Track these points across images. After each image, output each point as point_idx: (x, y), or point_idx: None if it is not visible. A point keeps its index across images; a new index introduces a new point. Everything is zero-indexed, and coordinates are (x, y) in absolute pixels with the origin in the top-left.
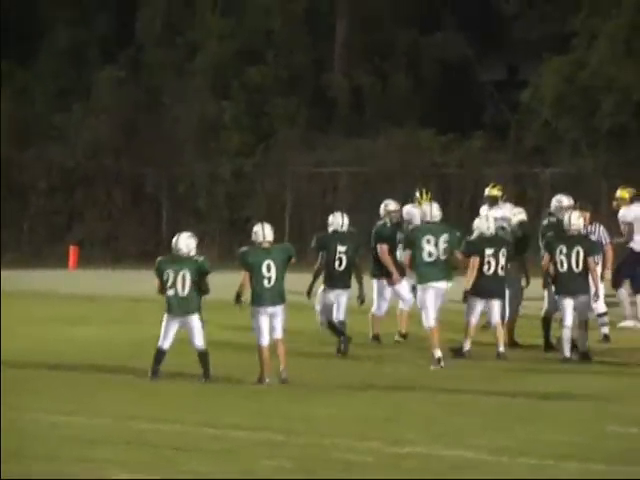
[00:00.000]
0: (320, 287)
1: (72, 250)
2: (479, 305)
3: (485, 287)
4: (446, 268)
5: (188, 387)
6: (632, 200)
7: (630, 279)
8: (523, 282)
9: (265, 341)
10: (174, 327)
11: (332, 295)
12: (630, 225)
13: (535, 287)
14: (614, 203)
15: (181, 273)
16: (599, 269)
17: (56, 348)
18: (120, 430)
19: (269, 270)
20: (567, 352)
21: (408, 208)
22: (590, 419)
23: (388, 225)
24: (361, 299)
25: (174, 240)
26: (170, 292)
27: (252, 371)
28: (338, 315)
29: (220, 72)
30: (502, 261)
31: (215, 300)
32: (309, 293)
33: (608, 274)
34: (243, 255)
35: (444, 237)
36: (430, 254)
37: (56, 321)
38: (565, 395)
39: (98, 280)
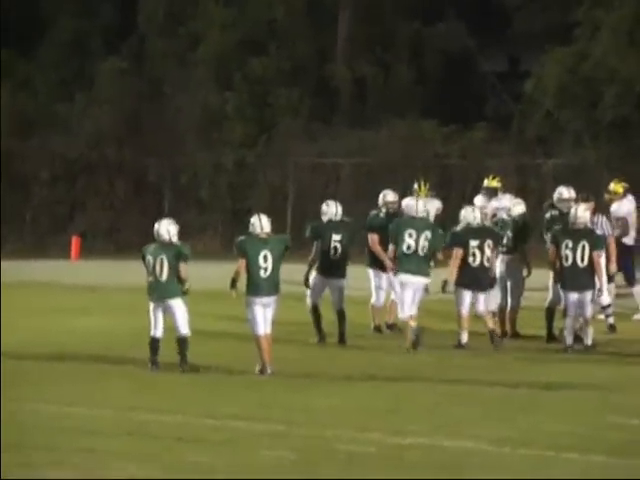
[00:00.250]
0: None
1: (74, 240)
2: (467, 296)
3: (471, 279)
4: (423, 264)
5: (188, 378)
6: (625, 194)
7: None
8: (524, 272)
9: (261, 330)
10: (159, 313)
11: (324, 283)
12: (624, 219)
13: (537, 278)
14: (606, 196)
15: (159, 258)
16: (603, 261)
17: (58, 339)
18: (121, 421)
19: (265, 260)
20: (569, 341)
21: (407, 201)
22: (591, 410)
23: (381, 215)
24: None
25: (156, 226)
26: (150, 278)
27: (252, 361)
28: (338, 305)
29: (223, 62)
30: (488, 252)
31: (217, 290)
32: (307, 281)
33: (613, 267)
34: (241, 243)
35: (426, 234)
36: (409, 247)
37: (58, 312)
38: (567, 386)
39: (100, 271)
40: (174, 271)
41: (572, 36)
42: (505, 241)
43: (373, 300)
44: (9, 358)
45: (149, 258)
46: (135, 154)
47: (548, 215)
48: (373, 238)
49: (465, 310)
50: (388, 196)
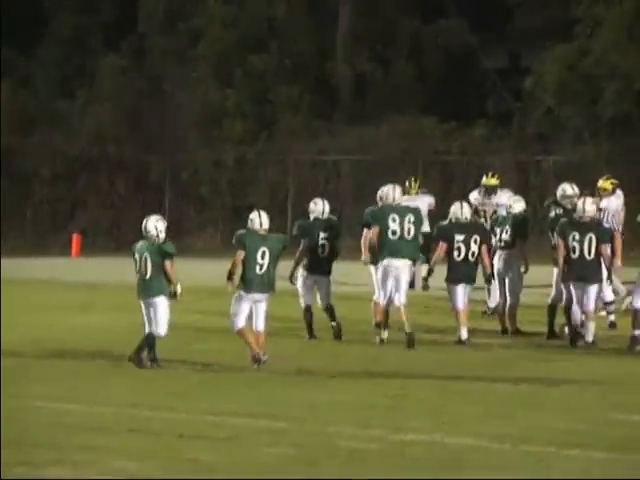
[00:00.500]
0: (300, 272)
1: (75, 238)
2: (459, 291)
3: (456, 273)
4: (410, 247)
5: (189, 375)
6: (614, 191)
7: None
8: (522, 269)
9: (241, 323)
10: (148, 311)
11: (312, 280)
12: (613, 217)
13: (537, 274)
14: (595, 193)
15: (144, 256)
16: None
17: (58, 336)
18: (122, 418)
19: (263, 257)
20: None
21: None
22: (592, 406)
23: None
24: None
25: (144, 222)
26: (137, 276)
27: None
28: (325, 300)
29: (223, 59)
30: (474, 248)
31: (217, 287)
32: (291, 277)
33: (618, 262)
34: (241, 236)
35: (409, 217)
36: (394, 232)
37: (59, 309)
38: (567, 382)
39: (101, 268)
40: (158, 269)
41: (572, 33)
42: (503, 236)
43: (375, 297)
44: (10, 355)
45: (136, 256)
46: (135, 151)
47: (552, 214)
48: (365, 232)
49: (461, 304)
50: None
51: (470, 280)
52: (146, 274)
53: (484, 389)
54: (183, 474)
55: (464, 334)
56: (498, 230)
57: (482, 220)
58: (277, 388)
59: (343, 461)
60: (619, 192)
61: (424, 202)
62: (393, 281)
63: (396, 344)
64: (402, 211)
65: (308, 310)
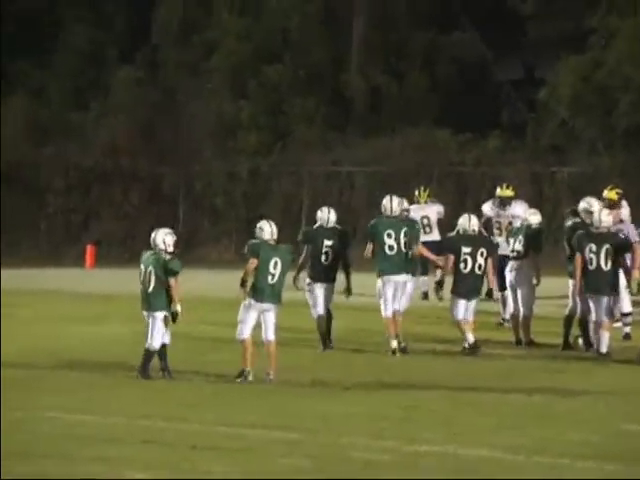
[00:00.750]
0: (306, 280)
1: (89, 249)
2: (461, 305)
3: (463, 285)
4: (406, 261)
5: (203, 386)
6: (619, 201)
7: None
8: (534, 280)
9: (246, 333)
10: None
11: (317, 287)
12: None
13: (552, 286)
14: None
15: (149, 269)
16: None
17: (72, 347)
18: (135, 429)
19: (275, 267)
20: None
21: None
22: (606, 418)
23: None
24: (348, 292)
25: (153, 235)
26: (140, 287)
27: (266, 369)
28: (325, 305)
29: (237, 71)
30: (480, 260)
31: (230, 298)
32: (295, 280)
33: (637, 274)
34: (255, 246)
35: (404, 231)
36: (391, 247)
37: (73, 320)
38: (581, 394)
39: (115, 279)
40: (161, 284)
41: (586, 44)
42: (516, 246)
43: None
44: (23, 366)
45: (141, 267)
46: (150, 163)
47: (570, 223)
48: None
49: (460, 316)
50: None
51: (475, 293)
52: (149, 287)
53: (497, 400)
54: None
55: (470, 338)
56: (511, 240)
57: (496, 232)
58: (291, 399)
59: (357, 472)
60: (625, 203)
61: (433, 211)
62: (392, 292)
63: (408, 355)
64: (398, 225)
65: (321, 319)
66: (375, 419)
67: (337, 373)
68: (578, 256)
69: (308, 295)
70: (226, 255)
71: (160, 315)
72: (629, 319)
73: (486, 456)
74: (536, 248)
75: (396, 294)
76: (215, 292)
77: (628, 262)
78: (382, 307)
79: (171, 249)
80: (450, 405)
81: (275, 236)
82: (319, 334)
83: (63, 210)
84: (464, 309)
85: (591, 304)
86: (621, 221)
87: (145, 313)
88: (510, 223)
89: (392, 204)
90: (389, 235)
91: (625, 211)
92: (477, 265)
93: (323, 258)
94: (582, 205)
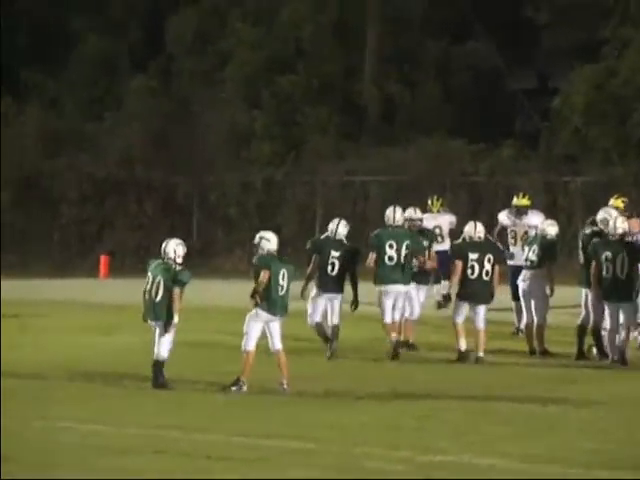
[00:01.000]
0: (313, 290)
1: (103, 259)
2: (464, 308)
3: (469, 291)
4: (405, 272)
5: (218, 396)
6: (625, 209)
7: None
8: (548, 290)
9: (252, 345)
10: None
11: (323, 299)
12: None
13: (566, 295)
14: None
15: (157, 279)
16: None
17: (86, 357)
18: (149, 439)
19: (283, 279)
20: (614, 355)
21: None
22: (620, 427)
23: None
24: (355, 305)
25: (164, 244)
26: (146, 295)
27: (276, 379)
28: (332, 319)
29: (251, 81)
30: (487, 266)
31: (244, 308)
32: (303, 292)
33: None
34: (265, 258)
35: (406, 243)
36: (391, 258)
37: (86, 330)
38: (595, 403)
39: (129, 289)
40: (168, 294)
41: (600, 53)
42: (530, 256)
43: (407, 314)
44: (37, 377)
45: (149, 275)
46: (163, 173)
47: (588, 231)
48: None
49: (460, 319)
50: (407, 212)
51: (482, 299)
52: (156, 297)
53: (511, 409)
54: None
55: (462, 346)
56: (526, 249)
57: (511, 241)
58: (305, 409)
59: None
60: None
61: (445, 220)
62: (392, 302)
63: (422, 364)
64: (400, 236)
65: (318, 326)
66: (389, 429)
67: (351, 383)
68: (594, 264)
69: (309, 302)
70: (240, 265)
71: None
72: None
73: (500, 465)
74: (551, 258)
75: (396, 304)
76: (229, 302)
77: None
78: (382, 314)
79: (180, 260)
80: (464, 414)
81: (276, 247)
82: (321, 338)
83: (77, 221)
84: (465, 313)
85: (607, 312)
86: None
87: (152, 323)
88: (526, 232)
89: (395, 214)
90: (390, 246)
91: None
92: (484, 271)
93: (329, 269)
94: (602, 215)
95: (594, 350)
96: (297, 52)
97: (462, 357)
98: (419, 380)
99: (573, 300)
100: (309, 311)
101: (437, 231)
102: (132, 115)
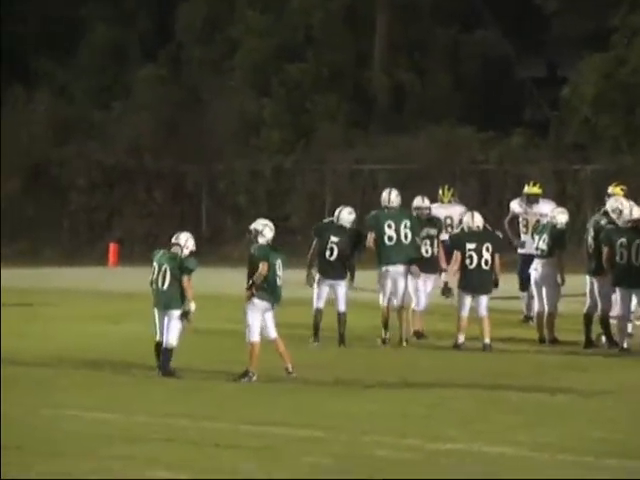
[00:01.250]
0: (317, 276)
1: (112, 247)
2: (467, 299)
3: (469, 282)
4: (407, 251)
5: (226, 384)
6: (625, 197)
7: None
8: (559, 279)
9: (256, 336)
10: (161, 320)
11: (326, 285)
12: None
13: (575, 283)
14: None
15: (163, 267)
16: None
17: (95, 345)
18: (158, 427)
19: (279, 269)
20: (624, 343)
21: (432, 208)
22: (630, 416)
23: None
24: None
25: (175, 235)
26: (153, 285)
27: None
28: (338, 306)
29: (260, 69)
30: (486, 256)
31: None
32: (307, 278)
33: None
34: (265, 250)
35: (405, 222)
36: (390, 238)
37: (95, 318)
38: (605, 392)
39: (138, 277)
40: (176, 282)
41: (609, 42)
42: (541, 245)
43: (413, 305)
44: (46, 365)
45: (155, 265)
46: (172, 161)
47: (604, 222)
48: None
49: (464, 313)
50: (416, 201)
51: (483, 289)
52: (163, 285)
53: (521, 398)
54: None
55: (461, 339)
56: (536, 238)
57: (523, 229)
58: (313, 397)
59: (379, 470)
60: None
61: (456, 211)
62: (391, 284)
63: (430, 353)
64: (398, 216)
65: (317, 312)
66: (398, 417)
67: (359, 371)
68: (606, 250)
69: (314, 286)
70: (248, 254)
71: (176, 313)
72: None
73: (510, 454)
74: (560, 246)
75: (397, 287)
76: (238, 290)
77: None
78: (380, 297)
79: (188, 251)
80: (473, 403)
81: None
82: (313, 326)
83: (86, 208)
84: (468, 306)
85: (618, 298)
86: None
87: (157, 311)
88: (537, 221)
89: (390, 196)
90: (389, 226)
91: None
92: (483, 260)
93: (328, 254)
94: (613, 204)
95: (603, 338)
96: (306, 40)
97: (456, 347)
98: (427, 368)
99: (583, 288)
100: (314, 296)
101: (448, 221)
102: (141, 103)
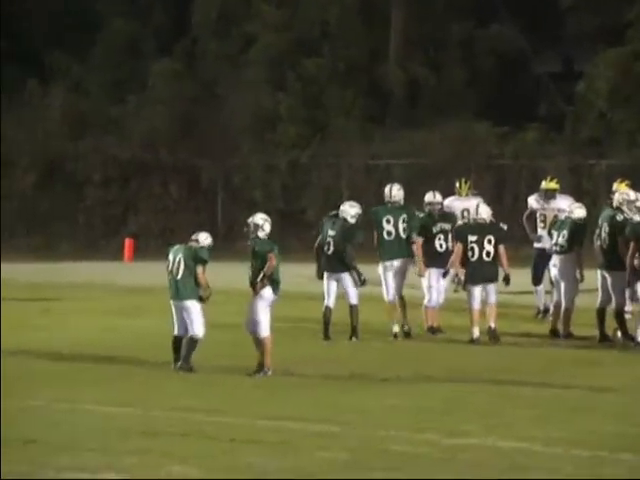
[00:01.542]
0: None
1: (127, 242)
2: (476, 291)
3: (472, 273)
4: (404, 246)
5: (242, 379)
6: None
7: None
8: (577, 275)
9: (268, 330)
10: (178, 313)
11: (329, 279)
12: None
13: (592, 278)
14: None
15: (177, 258)
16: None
17: (110, 340)
18: (174, 422)
19: (279, 262)
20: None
21: (449, 201)
22: None
23: (420, 215)
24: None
25: (197, 232)
26: (169, 276)
27: (305, 362)
28: (349, 299)
29: (276, 64)
30: (488, 247)
31: None
32: (317, 274)
33: None
34: (270, 243)
35: (403, 217)
36: (389, 233)
37: (111, 313)
38: (619, 387)
39: (153, 272)
40: (190, 272)
41: (625, 36)
42: (559, 240)
43: (425, 301)
44: (62, 359)
45: (170, 257)
46: (188, 155)
47: (620, 218)
48: (417, 240)
49: (475, 304)
50: (427, 196)
51: (487, 279)
52: (177, 275)
53: (536, 393)
54: (236, 478)
55: (476, 333)
56: (555, 234)
57: (540, 224)
58: (329, 392)
59: (395, 465)
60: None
61: (472, 203)
62: (393, 276)
63: (445, 347)
64: (397, 212)
65: (326, 310)
66: (414, 412)
67: (374, 366)
68: (633, 245)
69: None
70: None
71: (193, 303)
72: None
73: (525, 448)
74: (579, 242)
75: (397, 280)
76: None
77: None
78: (384, 292)
79: (203, 243)
80: (488, 397)
81: None
82: (322, 324)
83: (101, 203)
84: (479, 298)
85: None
86: None
87: (174, 303)
88: (555, 216)
89: (392, 191)
90: (388, 221)
91: None
92: (485, 252)
93: (326, 248)
94: (622, 197)
95: (618, 333)
96: (322, 34)
97: (472, 342)
98: (443, 363)
99: (597, 283)
100: (324, 293)
101: (465, 214)
102: (157, 98)
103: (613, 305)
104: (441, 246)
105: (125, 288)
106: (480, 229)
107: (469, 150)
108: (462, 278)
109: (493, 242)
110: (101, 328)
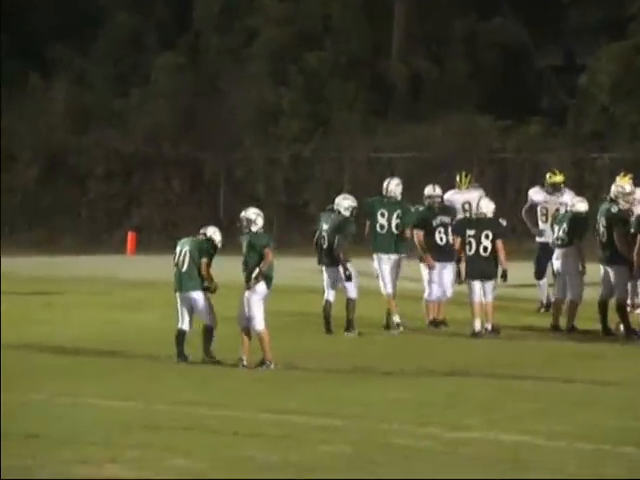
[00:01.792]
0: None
1: (130, 235)
2: (476, 285)
3: (472, 268)
4: (397, 241)
5: (244, 372)
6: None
7: None
8: (580, 267)
9: (264, 324)
10: (184, 306)
11: (325, 273)
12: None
13: (595, 271)
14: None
15: (184, 250)
16: None
17: (113, 333)
18: (177, 415)
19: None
20: None
21: (449, 194)
22: None
23: (420, 209)
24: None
25: (205, 227)
26: (175, 268)
27: (306, 356)
28: (347, 293)
29: (278, 57)
30: (485, 242)
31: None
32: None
33: None
34: (267, 238)
35: (397, 212)
36: (382, 227)
37: (114, 306)
38: (622, 380)
39: (156, 265)
40: (195, 264)
41: (627, 30)
42: (560, 234)
43: (426, 294)
44: (65, 352)
45: (177, 249)
46: (191, 149)
47: (615, 210)
48: (418, 233)
49: (475, 298)
50: (427, 190)
51: (485, 275)
52: (182, 267)
53: (538, 386)
54: (239, 472)
55: (477, 326)
56: (556, 228)
57: (542, 218)
58: (332, 386)
59: (398, 459)
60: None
61: (474, 197)
62: (388, 269)
63: (448, 341)
64: (392, 206)
65: (326, 304)
66: (416, 405)
67: (378, 359)
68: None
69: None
70: None
71: (198, 293)
72: None
73: (528, 442)
74: (580, 235)
75: (392, 272)
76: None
77: None
78: (381, 285)
79: (212, 236)
80: (491, 391)
81: None
82: (323, 318)
83: (104, 196)
84: (479, 289)
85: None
86: None
87: (179, 295)
88: (557, 210)
89: (390, 185)
90: (382, 214)
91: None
92: (482, 247)
93: (321, 242)
94: (617, 189)
95: (621, 327)
96: (325, 28)
97: (475, 336)
98: (445, 357)
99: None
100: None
101: (466, 207)
102: (159, 91)
103: (615, 298)
104: (441, 239)
105: (128, 282)
106: (478, 224)
107: (471, 144)
108: (462, 272)
109: (491, 237)
110: (103, 322)
